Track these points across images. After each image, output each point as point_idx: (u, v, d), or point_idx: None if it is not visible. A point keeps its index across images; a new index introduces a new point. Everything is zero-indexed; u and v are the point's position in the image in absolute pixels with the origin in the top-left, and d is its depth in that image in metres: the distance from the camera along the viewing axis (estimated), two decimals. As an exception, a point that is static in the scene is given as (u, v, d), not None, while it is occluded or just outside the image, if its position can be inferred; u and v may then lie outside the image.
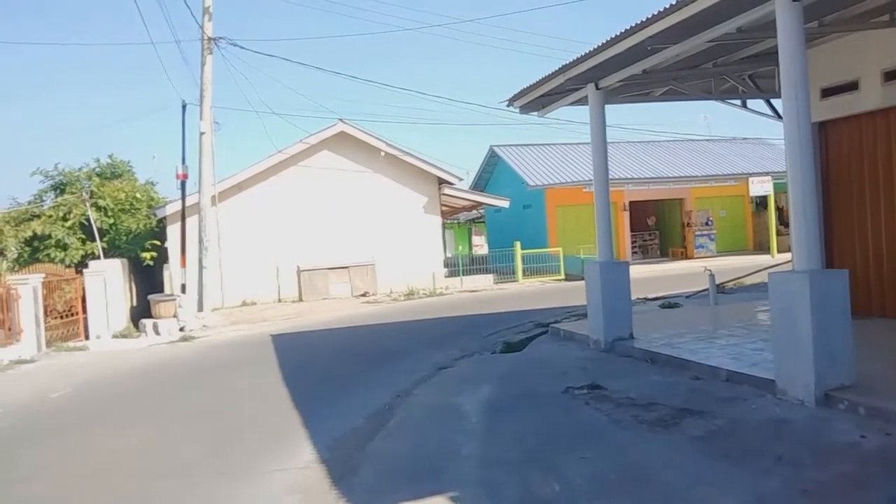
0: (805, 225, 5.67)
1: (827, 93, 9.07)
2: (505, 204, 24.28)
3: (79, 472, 5.66)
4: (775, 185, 24.13)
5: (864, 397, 5.35)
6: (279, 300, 20.08)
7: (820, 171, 8.97)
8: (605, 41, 7.51)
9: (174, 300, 16.34)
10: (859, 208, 8.97)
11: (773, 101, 10.83)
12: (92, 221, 17.43)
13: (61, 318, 14.68)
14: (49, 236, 17.30)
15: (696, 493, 4.15)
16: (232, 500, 4.77)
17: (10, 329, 12.56)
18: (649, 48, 7.37)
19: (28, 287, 13.20)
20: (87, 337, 15.05)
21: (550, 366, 8.35)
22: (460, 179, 23.07)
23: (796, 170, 5.69)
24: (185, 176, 17.46)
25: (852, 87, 8.75)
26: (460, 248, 38.37)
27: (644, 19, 6.78)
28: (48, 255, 17.04)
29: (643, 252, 27.69)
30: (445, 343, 10.86)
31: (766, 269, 13.58)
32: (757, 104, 11.14)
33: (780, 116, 9.58)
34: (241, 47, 17.81)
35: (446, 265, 22.41)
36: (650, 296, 14.30)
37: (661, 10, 6.48)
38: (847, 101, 8.85)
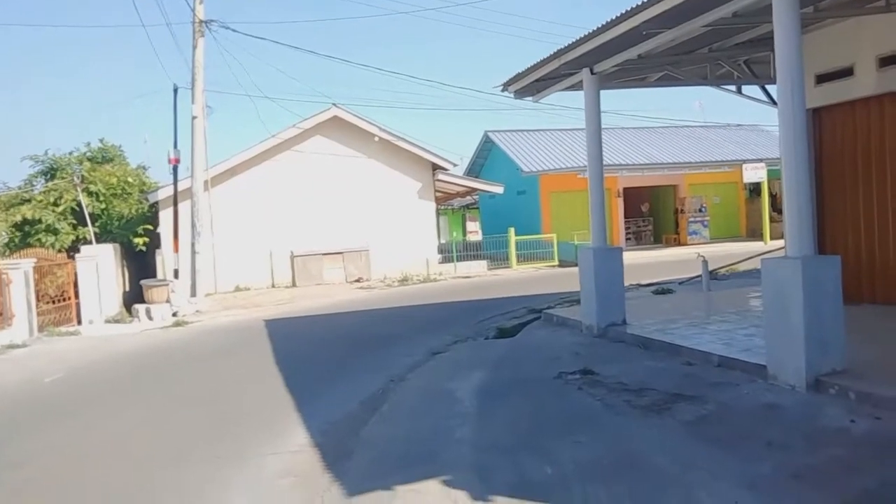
0: (798, 211, 5.68)
1: (822, 79, 9.06)
2: (499, 190, 24.25)
3: (72, 457, 5.65)
4: (769, 172, 24.16)
5: (854, 382, 5.39)
6: (273, 285, 20.05)
7: (813, 158, 8.98)
8: (600, 25, 7.47)
9: (167, 285, 16.27)
10: (852, 195, 8.99)
11: (768, 86, 10.82)
12: (83, 206, 17.31)
13: (53, 302, 14.61)
14: (39, 221, 17.17)
15: (688, 477, 4.19)
16: (225, 484, 4.78)
17: (1, 314, 12.49)
18: (644, 33, 7.33)
19: (19, 272, 13.11)
20: (79, 322, 14.98)
21: (543, 351, 8.38)
22: (454, 165, 23.01)
23: (790, 156, 5.69)
24: (178, 160, 17.32)
25: (847, 73, 8.74)
26: (454, 234, 38.26)
27: (639, 3, 6.73)
28: (39, 240, 16.92)
29: (637, 238, 27.76)
30: (439, 328, 10.88)
31: (758, 255, 13.65)
32: (752, 90, 11.13)
33: (774, 102, 9.56)
34: (234, 30, 17.68)
35: (440, 251, 22.41)
36: (643, 282, 14.35)
37: (657, -7, 6.43)
38: (842, 87, 8.84)
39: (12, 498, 4.89)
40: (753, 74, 10.48)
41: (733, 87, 11.11)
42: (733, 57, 9.89)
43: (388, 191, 21.12)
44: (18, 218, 17.13)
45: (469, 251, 23.66)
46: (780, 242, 7.37)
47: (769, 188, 25.58)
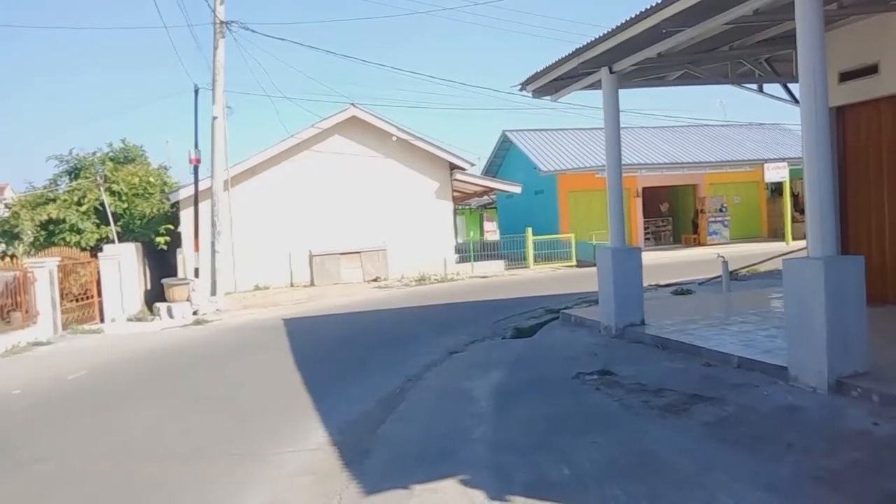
0: (820, 211, 5.60)
1: (845, 77, 8.92)
2: (517, 189, 24.18)
3: (94, 453, 5.75)
4: (791, 172, 23.86)
5: (877, 385, 5.30)
6: (291, 285, 20.18)
7: (837, 157, 8.85)
8: (619, 24, 7.42)
9: (187, 284, 16.47)
10: (876, 194, 8.85)
11: (790, 85, 10.67)
12: (106, 206, 17.57)
13: (77, 301, 14.85)
14: (64, 220, 17.46)
15: (707, 478, 4.15)
16: (244, 482, 4.83)
17: (27, 312, 12.73)
18: (664, 31, 7.27)
19: (44, 270, 13.35)
20: (102, 320, 15.23)
21: (561, 351, 8.35)
22: (472, 165, 23.01)
23: (812, 155, 5.61)
24: (198, 160, 17.53)
25: (872, 70, 8.60)
26: (471, 233, 38.31)
27: (659, 1, 6.68)
28: (63, 238, 17.22)
29: (656, 238, 27.54)
30: (456, 328, 10.88)
31: (780, 256, 13.47)
32: (774, 88, 10.99)
33: (797, 101, 9.44)
34: (253, 31, 17.82)
35: (457, 251, 22.41)
36: (662, 282, 14.24)
37: (677, -9, 6.38)
38: (866, 85, 8.70)
39: (40, 490, 4.98)
40: (775, 72, 10.34)
41: (754, 86, 10.97)
42: (754, 55, 9.77)
43: (406, 190, 21.16)
44: (44, 217, 17.44)
45: (486, 251, 23.63)
46: (803, 243, 7.28)
47: (791, 188, 25.24)
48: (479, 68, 75.53)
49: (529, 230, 23.00)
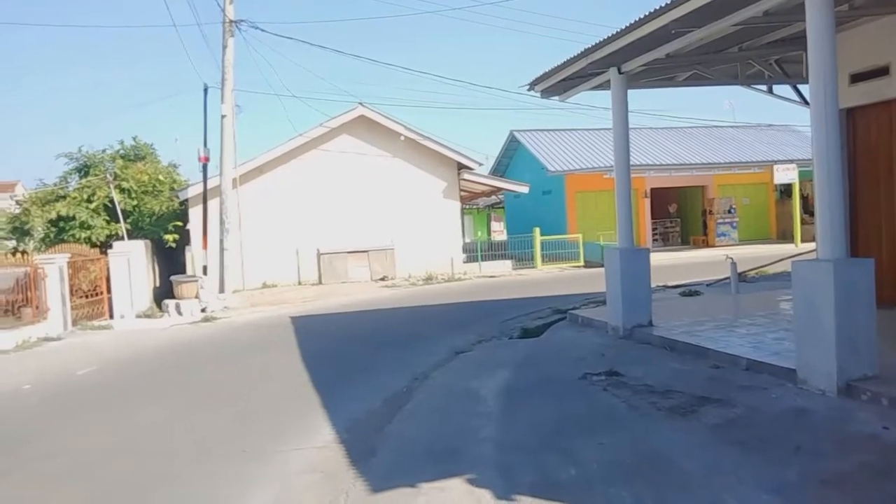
0: (830, 213, 5.58)
1: (856, 78, 8.86)
2: (524, 189, 24.14)
3: (102, 449, 5.79)
4: (800, 173, 23.72)
5: (887, 388, 5.28)
6: (299, 283, 20.24)
7: (847, 159, 8.79)
8: (627, 24, 7.40)
9: (196, 281, 16.55)
10: (887, 197, 8.79)
11: (800, 86, 10.61)
12: (116, 203, 17.68)
13: (86, 297, 14.95)
14: (73, 217, 17.58)
15: (713, 481, 4.14)
16: (251, 479, 4.85)
17: (37, 307, 12.82)
18: (673, 32, 7.25)
19: (54, 266, 13.45)
20: (111, 316, 15.32)
21: (568, 352, 8.34)
22: (480, 164, 22.96)
23: (822, 157, 5.59)
24: (207, 159, 17.60)
25: (883, 72, 8.54)
26: (479, 233, 38.24)
27: (668, 2, 6.67)
28: (73, 235, 17.34)
29: (664, 239, 27.44)
30: (463, 328, 10.89)
31: (789, 257, 13.39)
32: (783, 90, 10.93)
33: (807, 102, 9.38)
34: (263, 30, 17.82)
35: (465, 250, 22.40)
36: (670, 283, 14.19)
37: (687, -8, 6.36)
38: (877, 86, 8.64)
39: (49, 485, 5.02)
40: (785, 74, 10.29)
41: (764, 87, 10.92)
42: (764, 56, 9.73)
43: (414, 190, 21.17)
44: (54, 215, 17.57)
45: (494, 251, 23.61)
46: (812, 245, 7.25)
47: (801, 189, 25.10)
48: (487, 68, 75.51)
49: (537, 230, 22.97)
